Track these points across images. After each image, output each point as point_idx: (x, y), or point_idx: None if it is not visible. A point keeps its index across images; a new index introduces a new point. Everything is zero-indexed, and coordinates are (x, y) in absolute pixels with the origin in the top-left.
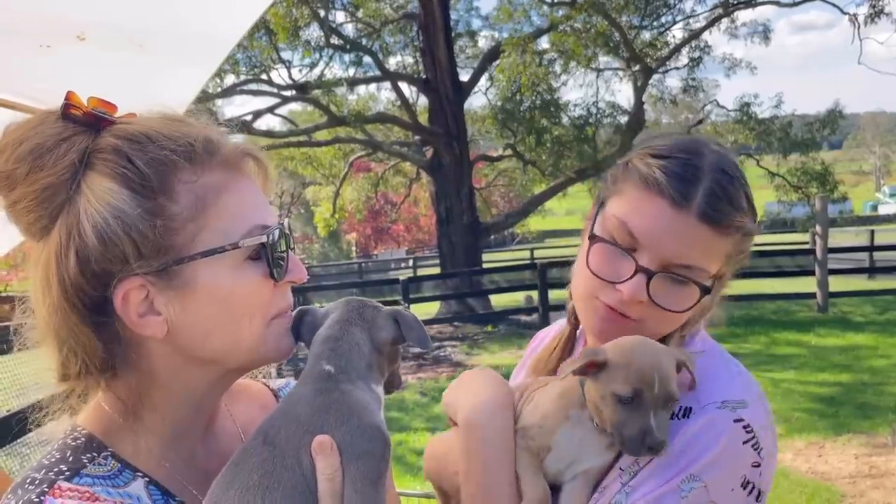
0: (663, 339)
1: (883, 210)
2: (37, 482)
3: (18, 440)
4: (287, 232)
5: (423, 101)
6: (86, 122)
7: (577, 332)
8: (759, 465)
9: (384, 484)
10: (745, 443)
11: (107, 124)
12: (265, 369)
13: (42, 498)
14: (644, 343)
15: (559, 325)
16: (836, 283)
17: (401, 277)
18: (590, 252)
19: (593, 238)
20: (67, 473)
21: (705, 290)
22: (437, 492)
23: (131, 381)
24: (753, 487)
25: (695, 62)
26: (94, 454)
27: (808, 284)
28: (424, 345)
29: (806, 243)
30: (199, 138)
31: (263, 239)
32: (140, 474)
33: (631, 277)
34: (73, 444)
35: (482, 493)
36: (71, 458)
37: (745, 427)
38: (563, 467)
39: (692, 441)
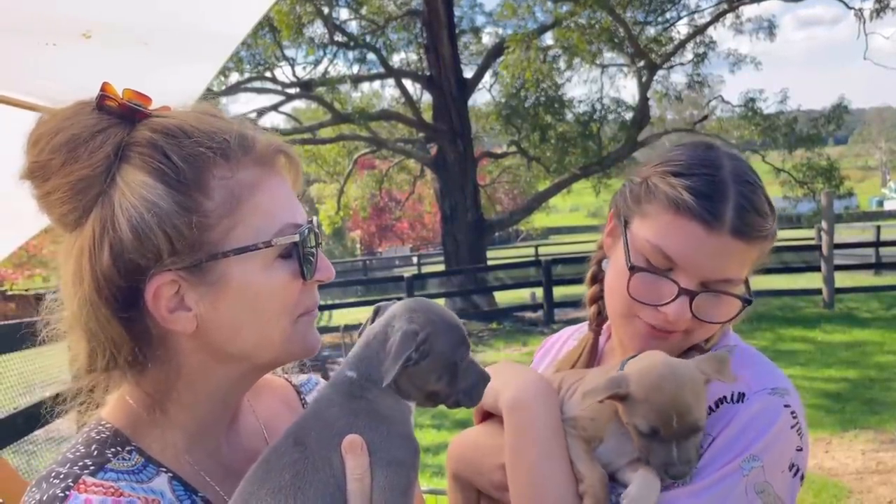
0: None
1: (889, 206)
2: (62, 476)
3: (25, 438)
4: (316, 230)
5: (426, 97)
6: (121, 114)
7: (600, 338)
8: (801, 450)
9: (413, 493)
10: (791, 427)
11: (142, 117)
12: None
13: (67, 493)
14: (666, 375)
15: (575, 331)
16: (842, 279)
17: (405, 275)
18: (630, 281)
19: (633, 269)
20: (92, 468)
21: (746, 302)
22: (460, 489)
23: (158, 376)
24: (798, 470)
25: (700, 58)
26: (119, 448)
27: (813, 280)
28: (385, 375)
29: (812, 239)
30: (233, 134)
31: (296, 238)
32: (163, 469)
33: (674, 299)
34: (98, 437)
35: (534, 472)
36: (95, 453)
37: (791, 413)
38: (614, 457)
39: (749, 424)
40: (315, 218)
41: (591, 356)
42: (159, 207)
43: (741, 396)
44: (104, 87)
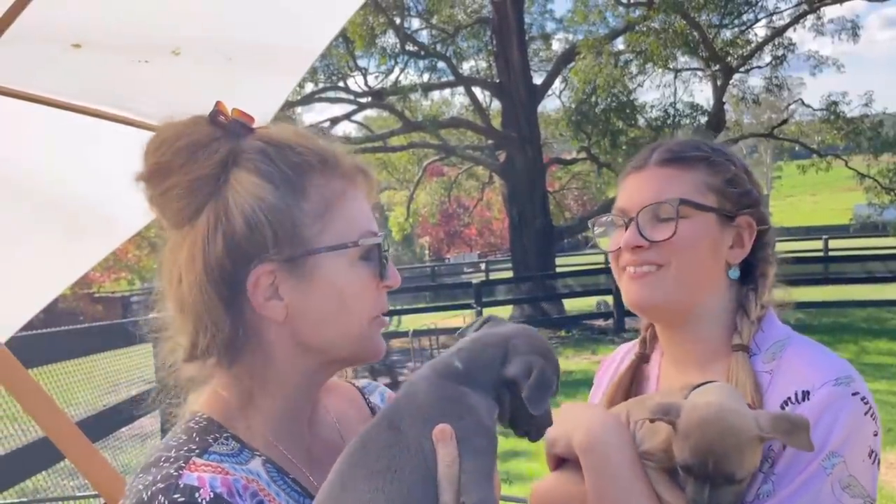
0: (734, 325)
1: None
2: (171, 460)
3: (112, 434)
4: (386, 241)
5: (496, 104)
6: (230, 128)
7: (650, 354)
8: (877, 434)
9: (494, 479)
10: (865, 414)
11: (247, 132)
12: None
13: (180, 472)
14: (710, 418)
15: (632, 348)
16: None
17: (473, 281)
18: (598, 234)
19: (592, 219)
20: (197, 451)
21: (681, 202)
22: None
23: (250, 364)
24: (876, 456)
25: (778, 60)
26: (217, 435)
27: None
28: (533, 407)
29: None
30: (327, 151)
31: (378, 240)
32: (257, 453)
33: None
34: (196, 427)
35: None
36: (198, 438)
37: (862, 399)
38: None
39: (820, 421)
40: (383, 232)
41: (634, 372)
42: (268, 203)
43: (805, 395)
44: (217, 104)
